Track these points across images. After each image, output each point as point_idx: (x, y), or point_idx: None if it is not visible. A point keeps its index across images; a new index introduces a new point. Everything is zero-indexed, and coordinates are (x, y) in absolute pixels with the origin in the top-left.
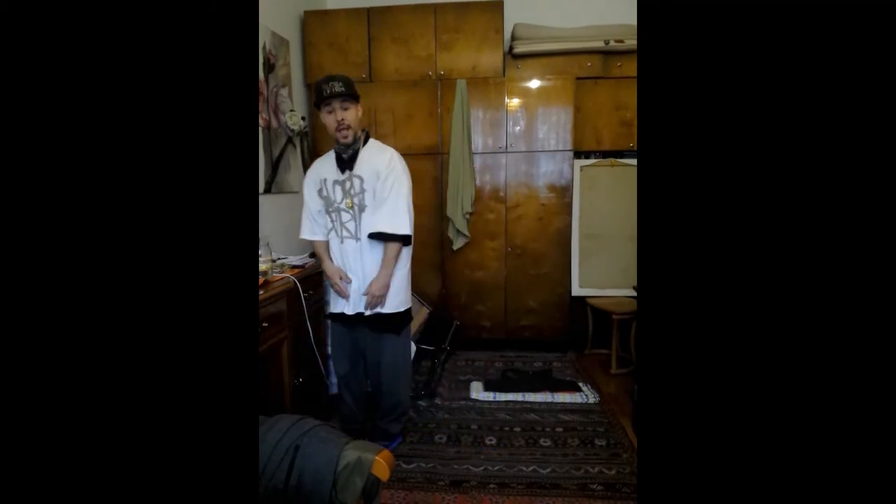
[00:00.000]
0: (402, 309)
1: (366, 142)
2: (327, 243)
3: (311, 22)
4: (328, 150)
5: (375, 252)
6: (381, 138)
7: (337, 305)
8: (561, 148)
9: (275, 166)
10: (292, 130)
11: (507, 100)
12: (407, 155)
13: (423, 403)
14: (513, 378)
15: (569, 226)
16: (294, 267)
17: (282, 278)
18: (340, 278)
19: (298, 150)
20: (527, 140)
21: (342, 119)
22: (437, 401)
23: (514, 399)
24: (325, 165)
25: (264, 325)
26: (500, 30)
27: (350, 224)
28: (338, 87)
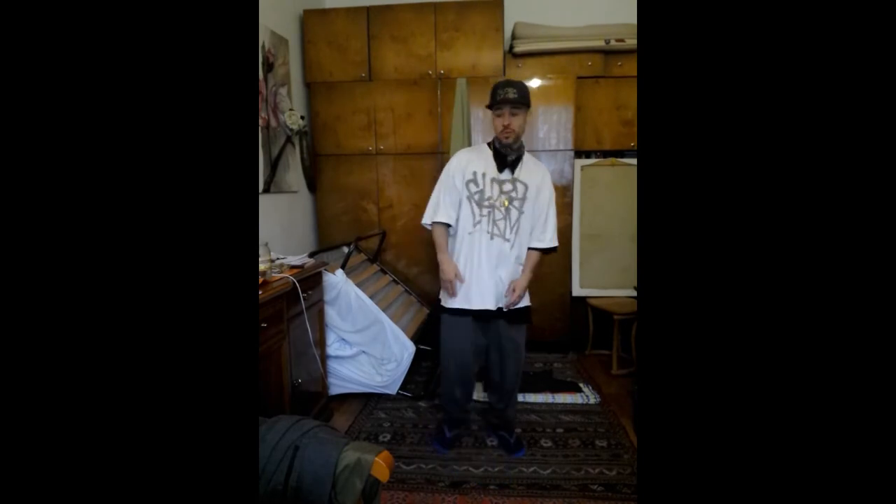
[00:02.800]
0: (529, 303)
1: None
2: (447, 232)
3: (311, 21)
4: (328, 150)
5: (516, 255)
6: (382, 138)
7: (475, 302)
8: (561, 147)
9: (274, 166)
10: (291, 130)
11: None
12: (407, 154)
13: (422, 404)
14: None
15: (569, 226)
16: (293, 267)
17: (281, 278)
18: (456, 275)
19: (297, 149)
20: (527, 139)
21: (508, 124)
22: (437, 401)
23: None
24: (480, 159)
25: (263, 325)
26: (501, 28)
27: (502, 223)
28: (511, 94)
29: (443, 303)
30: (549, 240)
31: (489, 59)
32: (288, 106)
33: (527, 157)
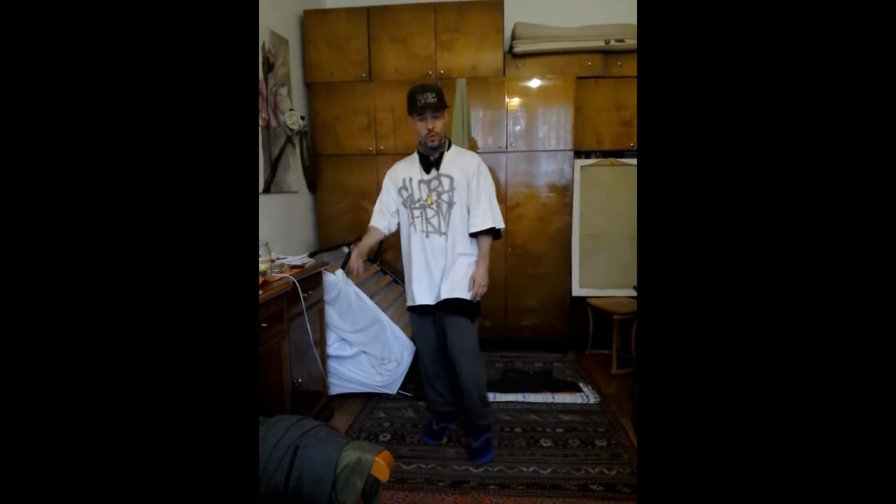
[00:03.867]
0: (476, 298)
1: (449, 146)
2: (381, 237)
3: (311, 21)
4: (328, 150)
5: (460, 247)
6: (382, 138)
7: (418, 298)
8: (561, 147)
9: (274, 166)
10: (291, 130)
11: (507, 99)
12: (407, 154)
13: (423, 404)
14: (513, 378)
15: (569, 225)
16: (293, 267)
17: (281, 278)
18: (355, 259)
19: (298, 149)
20: (527, 139)
21: (432, 128)
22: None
23: (514, 399)
24: (410, 166)
25: (263, 325)
26: (500, 29)
27: (435, 219)
28: (431, 99)
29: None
30: (481, 222)
31: (489, 60)
32: (288, 106)
33: (452, 151)
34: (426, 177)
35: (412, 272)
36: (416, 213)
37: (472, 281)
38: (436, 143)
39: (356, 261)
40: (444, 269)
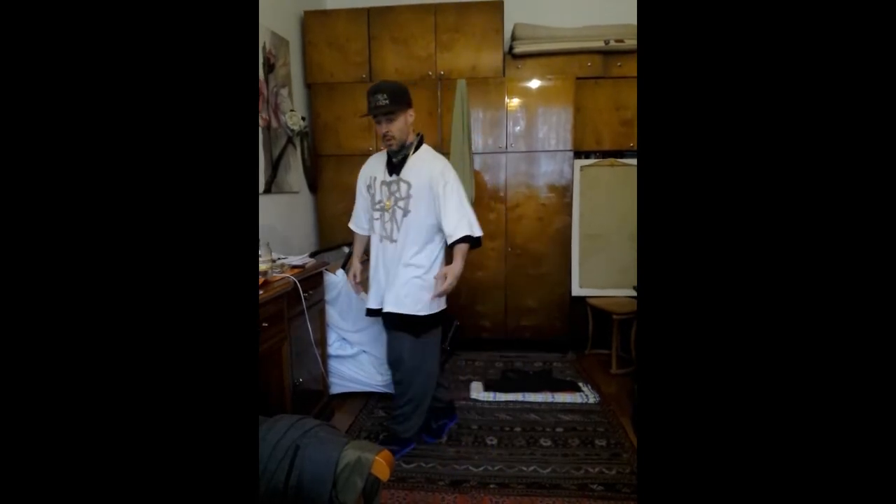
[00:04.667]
0: (422, 313)
1: (417, 147)
2: (366, 239)
3: (311, 22)
4: (329, 150)
5: (408, 257)
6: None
7: (372, 301)
8: (561, 148)
9: (275, 166)
10: (292, 130)
11: (507, 100)
12: None
13: None
14: (513, 378)
15: (569, 226)
16: (294, 267)
17: (282, 278)
18: (354, 276)
19: (298, 150)
20: (527, 140)
21: (386, 132)
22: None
23: (514, 399)
24: (378, 165)
25: (264, 325)
26: (500, 30)
27: (389, 225)
28: (382, 101)
29: None
30: (454, 231)
31: (489, 61)
32: (289, 107)
33: (419, 153)
34: (388, 178)
35: (376, 275)
36: (376, 214)
37: (443, 276)
38: (393, 147)
39: (351, 283)
40: (390, 277)
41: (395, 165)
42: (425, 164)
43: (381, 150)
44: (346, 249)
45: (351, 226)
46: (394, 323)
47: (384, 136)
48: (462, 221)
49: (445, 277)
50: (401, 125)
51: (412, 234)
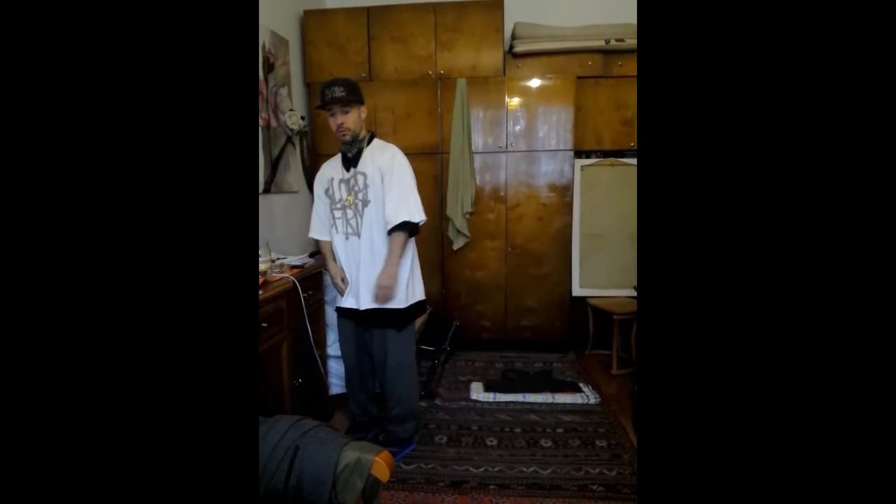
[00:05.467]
0: (402, 305)
1: (370, 142)
2: (331, 243)
3: (311, 21)
4: (328, 150)
5: (379, 247)
6: (382, 138)
7: (346, 300)
8: (561, 147)
9: (274, 166)
10: (292, 130)
11: (507, 99)
12: (407, 154)
13: (423, 404)
14: (513, 379)
15: (569, 225)
16: (293, 267)
17: (281, 278)
18: (342, 280)
19: (298, 149)
20: (527, 139)
21: (341, 123)
22: (438, 401)
23: (514, 400)
24: (333, 166)
25: (264, 325)
26: (501, 29)
27: (353, 221)
28: (338, 93)
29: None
30: (394, 216)
31: (489, 60)
32: (288, 106)
33: (372, 146)
34: (345, 175)
35: (348, 276)
36: (338, 213)
37: (376, 286)
38: (348, 139)
39: (341, 284)
40: (361, 272)
41: (350, 161)
42: (377, 153)
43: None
44: None
45: (312, 235)
46: (376, 320)
47: (339, 127)
48: (401, 206)
49: (379, 285)
50: (355, 118)
51: (375, 225)
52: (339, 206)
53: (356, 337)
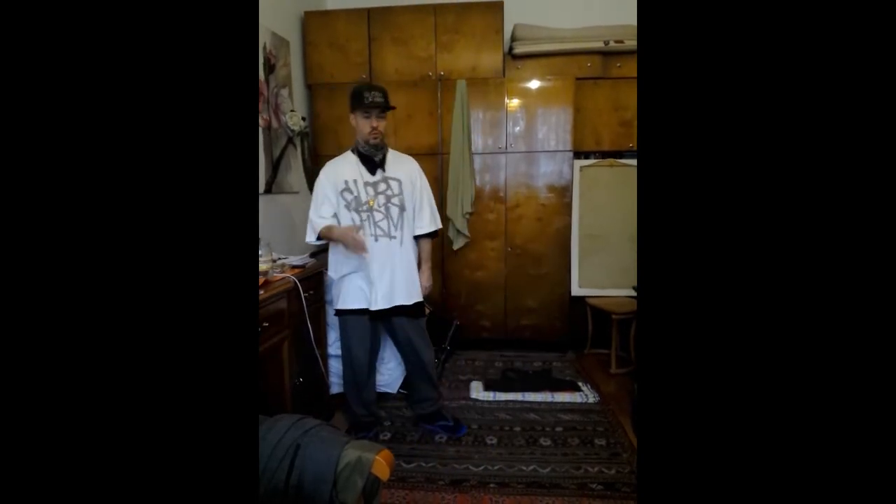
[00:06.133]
0: (420, 298)
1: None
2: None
3: (312, 22)
4: (329, 151)
5: (407, 250)
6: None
7: (358, 301)
8: (560, 148)
9: (275, 167)
10: (293, 131)
11: (506, 100)
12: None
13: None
14: (513, 378)
15: (568, 226)
16: (294, 267)
17: (282, 278)
18: (358, 230)
19: (299, 150)
20: (526, 140)
21: (376, 126)
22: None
23: (513, 399)
24: (348, 167)
25: (265, 324)
26: (500, 30)
27: (384, 223)
28: (379, 98)
29: (339, 305)
30: (428, 224)
31: (489, 61)
32: (289, 107)
33: (391, 153)
34: (371, 178)
35: (370, 276)
36: (362, 215)
37: (423, 283)
38: (378, 142)
39: (359, 235)
40: (397, 273)
41: (376, 164)
42: (404, 162)
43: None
44: None
45: (312, 239)
46: (409, 313)
47: (373, 129)
48: (434, 215)
49: (424, 285)
50: (385, 125)
51: (407, 228)
52: (363, 207)
53: (371, 333)
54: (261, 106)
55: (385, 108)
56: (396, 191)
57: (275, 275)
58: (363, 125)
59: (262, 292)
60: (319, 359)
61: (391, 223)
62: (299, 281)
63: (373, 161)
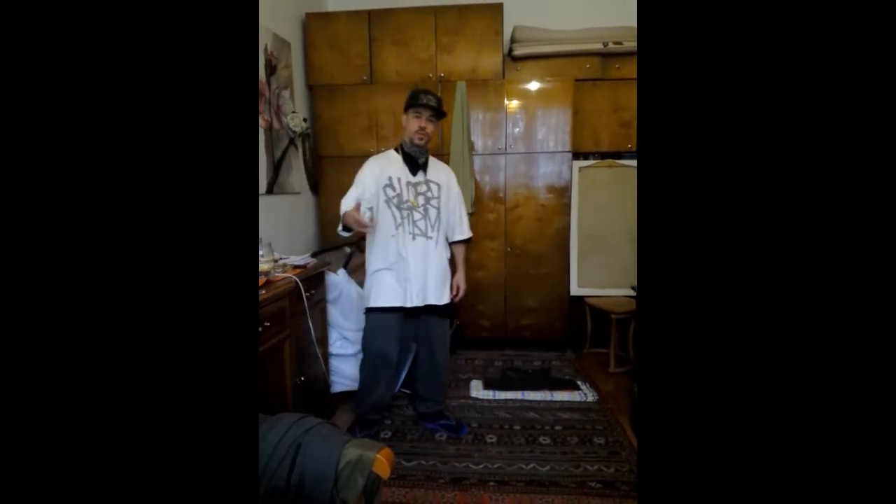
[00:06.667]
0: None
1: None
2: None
3: (313, 24)
4: (330, 152)
5: (441, 251)
6: (383, 140)
7: (393, 299)
8: (560, 149)
9: (277, 167)
10: (294, 132)
11: (506, 101)
12: None
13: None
14: (512, 377)
15: (568, 226)
16: (296, 267)
17: (283, 278)
18: (358, 209)
19: (300, 151)
20: (526, 141)
21: (424, 127)
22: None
23: (513, 397)
24: (393, 164)
25: (266, 324)
26: (500, 32)
27: (422, 222)
28: (433, 102)
29: (372, 304)
30: (464, 231)
31: (489, 63)
32: (290, 108)
33: (432, 159)
34: (413, 179)
35: (405, 273)
36: (403, 213)
37: (457, 287)
38: (423, 144)
39: (363, 216)
40: (429, 271)
41: (419, 166)
42: (444, 169)
43: (382, 150)
44: (348, 250)
45: (351, 205)
46: (439, 313)
47: (421, 129)
48: (467, 222)
49: (458, 287)
50: (433, 129)
51: (442, 230)
52: (405, 206)
53: (403, 331)
54: (262, 107)
55: (437, 112)
56: (436, 194)
57: (276, 275)
58: (412, 123)
59: (263, 292)
60: (321, 358)
61: (429, 223)
62: (301, 281)
63: (416, 162)
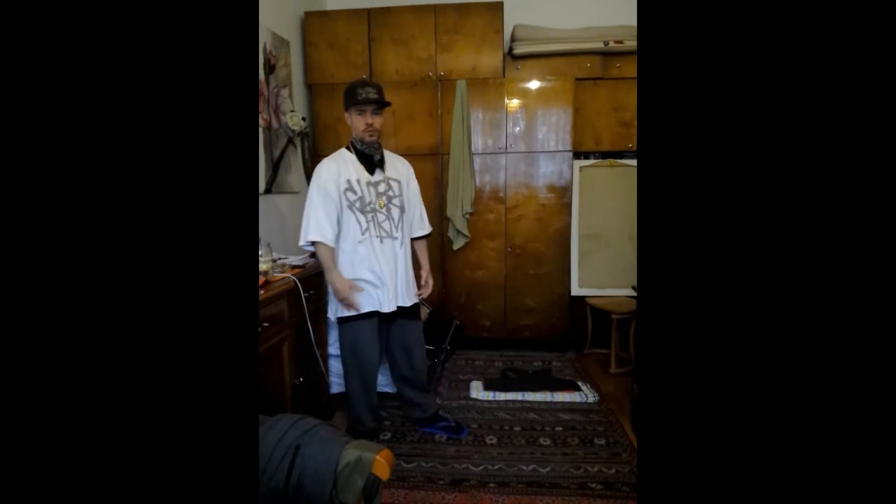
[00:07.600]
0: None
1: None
2: (333, 250)
3: (312, 23)
4: (329, 151)
5: (407, 251)
6: (382, 139)
7: (369, 305)
8: (560, 148)
9: (276, 167)
10: (293, 131)
11: (506, 100)
12: (407, 156)
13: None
14: (512, 377)
15: (568, 226)
16: (295, 267)
17: (282, 278)
18: (351, 288)
19: (299, 150)
20: (526, 140)
21: (371, 123)
22: (438, 400)
23: (513, 398)
24: (348, 165)
25: (265, 324)
26: (500, 31)
27: (386, 224)
28: (373, 94)
29: (342, 313)
30: (427, 226)
31: (489, 62)
32: (289, 107)
33: (387, 153)
34: (372, 178)
35: (380, 278)
36: (367, 216)
37: (425, 283)
38: (374, 140)
39: (352, 296)
40: (399, 274)
41: (375, 164)
42: (402, 163)
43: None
44: None
45: (313, 238)
46: (410, 314)
47: (369, 126)
48: (426, 216)
49: (426, 283)
50: (381, 122)
51: (406, 229)
52: (368, 208)
53: (380, 336)
54: (261, 106)
55: (380, 104)
56: (397, 192)
57: (275, 275)
58: (358, 122)
59: (262, 292)
60: (320, 359)
61: (392, 224)
62: (299, 281)
63: (372, 160)
